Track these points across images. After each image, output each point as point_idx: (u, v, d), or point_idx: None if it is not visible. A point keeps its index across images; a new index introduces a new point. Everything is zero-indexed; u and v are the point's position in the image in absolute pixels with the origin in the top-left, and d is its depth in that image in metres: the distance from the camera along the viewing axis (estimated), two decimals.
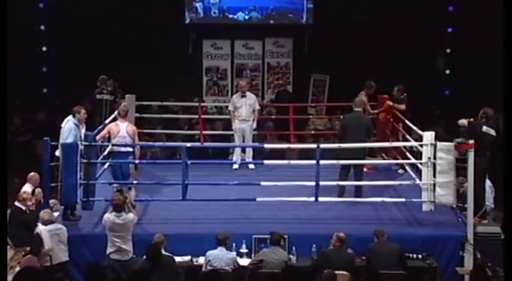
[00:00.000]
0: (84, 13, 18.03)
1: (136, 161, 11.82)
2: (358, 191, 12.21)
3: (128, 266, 10.28)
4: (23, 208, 11.53)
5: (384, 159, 14.21)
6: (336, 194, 12.10)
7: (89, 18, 18.03)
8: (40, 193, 11.72)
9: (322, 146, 11.83)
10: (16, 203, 11.55)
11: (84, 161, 11.15)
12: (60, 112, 14.06)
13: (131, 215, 10.50)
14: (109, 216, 10.44)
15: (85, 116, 11.90)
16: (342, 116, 13.74)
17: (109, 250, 10.37)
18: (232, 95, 18.60)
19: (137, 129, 12.31)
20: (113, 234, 10.36)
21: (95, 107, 14.20)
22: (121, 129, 11.82)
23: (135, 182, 11.68)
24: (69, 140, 11.25)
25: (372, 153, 14.12)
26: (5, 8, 10.22)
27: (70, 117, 11.74)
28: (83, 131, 11.76)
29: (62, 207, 11.51)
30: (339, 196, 12.08)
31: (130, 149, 11.77)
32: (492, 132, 11.48)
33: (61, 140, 11.40)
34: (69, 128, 11.48)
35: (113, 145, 11.83)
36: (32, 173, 12.18)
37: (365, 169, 12.99)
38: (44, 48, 18.83)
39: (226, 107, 15.48)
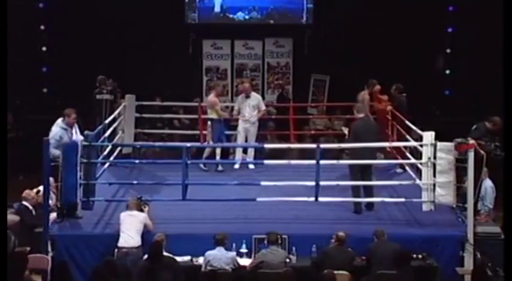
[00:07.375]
0: (84, 13, 18.03)
1: (137, 161, 11.82)
2: (369, 193, 11.99)
3: (135, 255, 10.37)
4: (30, 207, 11.48)
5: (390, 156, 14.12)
6: (351, 195, 11.91)
7: (88, 18, 18.04)
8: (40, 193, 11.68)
9: (322, 146, 11.82)
10: (23, 202, 11.51)
11: (84, 161, 11.15)
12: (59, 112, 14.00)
13: (143, 214, 10.83)
14: (123, 213, 10.88)
15: (75, 121, 11.72)
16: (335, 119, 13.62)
17: (120, 241, 10.53)
18: (232, 95, 18.62)
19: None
20: (123, 226, 10.64)
21: (95, 107, 14.19)
22: None
23: None
24: (51, 146, 11.10)
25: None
26: (5, 8, 10.21)
27: (59, 120, 11.69)
28: (75, 134, 11.62)
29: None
30: (354, 197, 11.90)
31: None
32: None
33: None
34: (54, 134, 11.45)
35: (113, 145, 11.72)
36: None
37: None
38: (44, 48, 18.84)
39: (226, 107, 15.45)
